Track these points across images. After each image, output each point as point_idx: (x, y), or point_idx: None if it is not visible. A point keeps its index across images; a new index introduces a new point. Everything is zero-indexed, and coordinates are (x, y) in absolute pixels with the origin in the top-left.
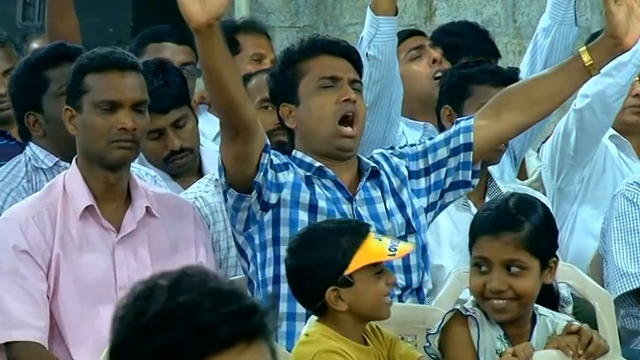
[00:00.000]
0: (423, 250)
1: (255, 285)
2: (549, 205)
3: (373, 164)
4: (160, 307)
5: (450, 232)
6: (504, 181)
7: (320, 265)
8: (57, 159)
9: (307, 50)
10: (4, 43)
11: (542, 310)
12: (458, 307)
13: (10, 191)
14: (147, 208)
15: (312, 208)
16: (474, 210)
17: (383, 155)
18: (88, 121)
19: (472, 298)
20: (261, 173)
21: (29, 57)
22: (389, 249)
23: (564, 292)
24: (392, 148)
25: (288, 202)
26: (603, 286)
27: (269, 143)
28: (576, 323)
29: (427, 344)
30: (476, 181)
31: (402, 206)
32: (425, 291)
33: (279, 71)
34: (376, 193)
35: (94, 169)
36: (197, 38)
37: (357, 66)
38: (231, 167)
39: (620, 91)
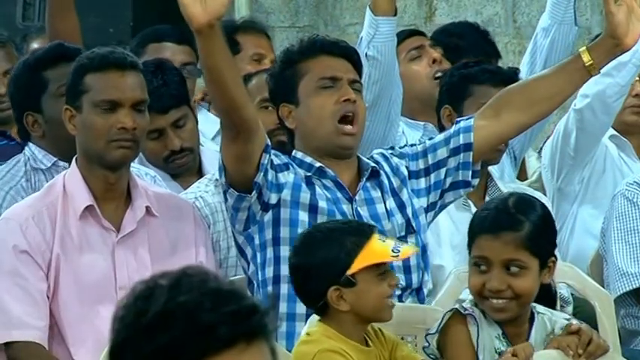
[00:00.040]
0: (423, 251)
1: (255, 285)
2: (549, 205)
3: (373, 164)
4: (161, 307)
5: (450, 232)
6: (504, 181)
7: (323, 264)
8: (55, 159)
9: (307, 50)
10: (5, 43)
11: (540, 308)
12: (457, 306)
13: (9, 189)
14: (147, 207)
15: (313, 209)
16: (474, 210)
17: (383, 155)
18: (87, 120)
19: (470, 297)
20: (262, 173)
21: (28, 57)
22: (392, 250)
23: (564, 292)
24: (392, 148)
25: (288, 203)
26: (603, 286)
27: (269, 143)
28: (574, 321)
29: (426, 344)
30: (476, 181)
31: (402, 206)
32: (425, 291)
33: (279, 71)
34: (376, 194)
35: (94, 169)
36: (198, 39)
37: (357, 66)
38: (231, 167)
39: (620, 91)
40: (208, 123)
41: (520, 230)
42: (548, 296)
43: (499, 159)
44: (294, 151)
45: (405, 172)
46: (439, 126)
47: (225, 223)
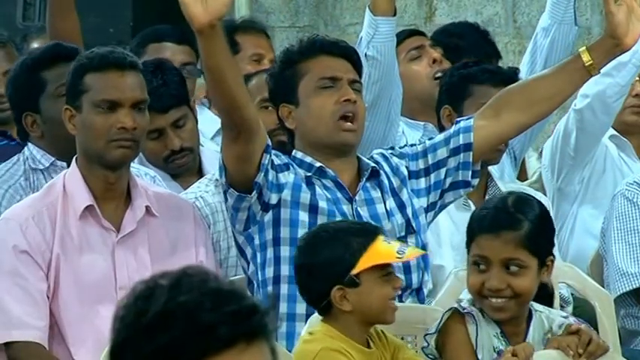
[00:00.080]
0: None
1: (255, 285)
2: (549, 206)
3: (373, 164)
4: (161, 306)
5: (450, 233)
6: (504, 181)
7: (327, 263)
8: (53, 159)
9: (307, 51)
10: (5, 43)
11: (537, 306)
12: (455, 305)
13: (8, 188)
14: (147, 207)
15: (313, 209)
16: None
17: (383, 155)
18: (87, 120)
19: (468, 296)
20: (262, 174)
21: (25, 58)
22: (397, 252)
23: (564, 292)
24: (392, 148)
25: (288, 203)
26: (603, 286)
27: (270, 144)
28: (572, 318)
29: (425, 344)
30: (476, 181)
31: (401, 206)
32: (425, 291)
33: (279, 71)
34: (376, 194)
35: (94, 169)
36: (199, 39)
37: (357, 66)
38: (232, 167)
39: (620, 92)
40: (208, 123)
41: (519, 229)
42: (545, 294)
43: (499, 159)
44: (294, 151)
45: (405, 172)
46: (439, 126)
47: (226, 223)
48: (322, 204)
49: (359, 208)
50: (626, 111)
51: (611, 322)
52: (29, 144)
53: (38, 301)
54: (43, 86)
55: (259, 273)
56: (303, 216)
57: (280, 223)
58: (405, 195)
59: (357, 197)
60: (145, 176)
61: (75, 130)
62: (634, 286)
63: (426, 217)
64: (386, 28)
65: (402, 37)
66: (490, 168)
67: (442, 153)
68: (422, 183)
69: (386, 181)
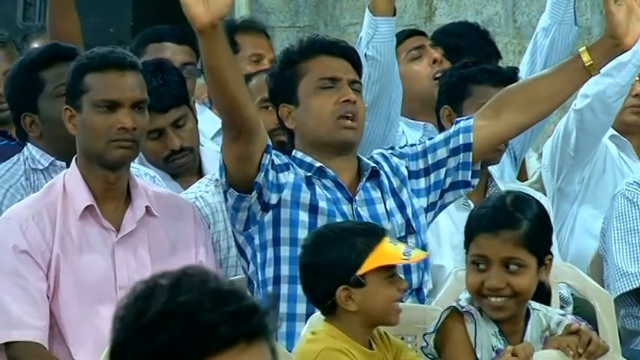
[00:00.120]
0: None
1: (255, 285)
2: (549, 206)
3: (373, 164)
4: (161, 306)
5: (450, 233)
6: (504, 181)
7: (333, 262)
8: (52, 158)
9: (306, 51)
10: (5, 43)
11: (534, 304)
12: (454, 304)
13: (9, 187)
14: (146, 207)
15: (313, 209)
16: None
17: (383, 155)
18: (87, 120)
19: (466, 295)
20: (262, 174)
21: (23, 58)
22: (403, 253)
23: (564, 292)
24: (392, 148)
25: (288, 203)
26: (603, 286)
27: (270, 144)
28: (569, 316)
29: (424, 344)
30: (476, 181)
31: (401, 206)
32: (425, 291)
33: (279, 71)
34: (376, 194)
35: (94, 169)
36: (201, 39)
37: (357, 66)
38: (232, 167)
39: (621, 92)
40: (208, 123)
41: (518, 228)
42: (542, 293)
43: (499, 159)
44: (294, 151)
45: (405, 172)
46: (439, 126)
47: (226, 223)
48: (322, 204)
49: (359, 208)
50: (626, 111)
51: (611, 322)
52: (28, 144)
53: (38, 301)
54: (42, 86)
55: (259, 273)
56: (303, 216)
57: (280, 223)
58: (405, 195)
59: (357, 197)
60: (144, 176)
61: (75, 130)
62: (634, 286)
63: (426, 217)
64: (385, 28)
65: (403, 37)
66: (490, 168)
67: (442, 153)
68: (422, 183)
69: (386, 182)
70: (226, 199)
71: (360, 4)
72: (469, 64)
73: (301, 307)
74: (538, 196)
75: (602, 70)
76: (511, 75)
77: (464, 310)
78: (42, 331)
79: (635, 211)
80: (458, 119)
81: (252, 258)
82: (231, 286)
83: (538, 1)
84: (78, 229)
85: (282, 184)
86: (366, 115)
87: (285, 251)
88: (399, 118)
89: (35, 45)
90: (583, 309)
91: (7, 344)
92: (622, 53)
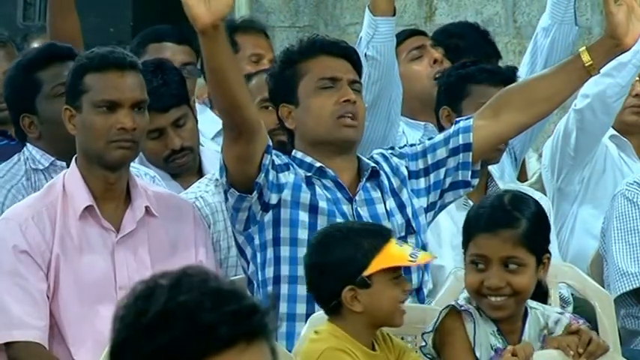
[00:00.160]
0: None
1: (255, 285)
2: (550, 205)
3: (373, 164)
4: (161, 306)
5: (450, 233)
6: (505, 181)
7: (340, 263)
8: (53, 158)
9: (307, 51)
10: (5, 43)
11: (532, 303)
12: (452, 303)
13: (11, 188)
14: (146, 207)
15: (313, 209)
16: None
17: (383, 155)
18: (87, 120)
19: (464, 295)
20: (263, 174)
21: (20, 59)
22: (410, 255)
23: (564, 292)
24: (392, 148)
25: (288, 203)
26: (603, 286)
27: (271, 144)
28: (567, 314)
29: (423, 344)
30: (475, 181)
31: (401, 206)
32: (425, 291)
33: (279, 71)
34: (376, 194)
35: (94, 169)
36: (202, 40)
37: (357, 66)
38: (233, 168)
39: (621, 92)
40: (208, 123)
41: (517, 227)
42: (539, 292)
43: (499, 158)
44: (294, 151)
45: (405, 172)
46: (438, 127)
47: (226, 222)
48: (322, 204)
49: (359, 209)
50: (626, 111)
51: (611, 322)
52: (28, 144)
53: (38, 301)
54: (39, 87)
55: (259, 273)
56: (303, 216)
57: (280, 223)
58: (404, 195)
59: (357, 197)
60: (144, 176)
61: (75, 130)
62: (634, 286)
63: (425, 217)
64: (385, 28)
65: (403, 36)
66: (490, 168)
67: (441, 153)
68: (421, 183)
69: (386, 182)
70: (227, 199)
71: (360, 4)
72: (467, 64)
73: (301, 307)
74: (538, 196)
75: (602, 71)
76: (510, 74)
77: (462, 309)
78: (42, 331)
79: (635, 211)
80: (457, 119)
81: (252, 258)
82: (231, 286)
83: (538, 1)
84: (78, 229)
85: (283, 184)
86: (366, 115)
87: (285, 251)
88: (400, 118)
89: (35, 45)
90: (583, 309)
91: (7, 344)
92: (622, 53)
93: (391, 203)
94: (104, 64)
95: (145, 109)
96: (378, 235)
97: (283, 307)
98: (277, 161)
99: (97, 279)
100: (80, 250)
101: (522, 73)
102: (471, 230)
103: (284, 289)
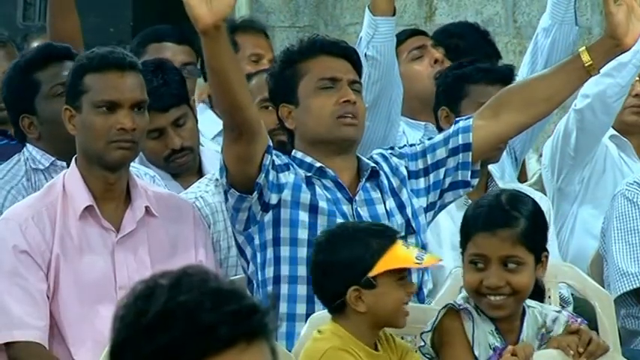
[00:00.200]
0: None
1: (255, 285)
2: (550, 205)
3: (373, 165)
4: (161, 306)
5: (450, 232)
6: (505, 181)
7: (345, 263)
8: (53, 158)
9: (307, 51)
10: (5, 43)
11: (529, 302)
12: (450, 302)
13: (11, 189)
14: (146, 207)
15: (313, 209)
16: None
17: (382, 155)
18: (87, 121)
19: (462, 294)
20: (263, 174)
21: (18, 60)
22: (416, 257)
23: (564, 292)
24: (391, 148)
25: (288, 203)
26: (603, 286)
27: (271, 144)
28: (565, 313)
29: (422, 343)
30: (475, 181)
31: (401, 206)
32: (425, 291)
33: (279, 71)
34: (376, 194)
35: (94, 169)
36: (204, 40)
37: (357, 66)
38: (233, 168)
39: (621, 92)
40: (209, 123)
41: (516, 226)
42: (536, 290)
43: (499, 157)
44: (294, 151)
45: (405, 172)
46: (437, 127)
47: (226, 222)
48: (322, 204)
49: (359, 209)
50: (626, 111)
51: (611, 322)
52: (28, 145)
53: (38, 301)
54: (38, 87)
55: (259, 273)
56: (303, 216)
57: (280, 223)
58: (404, 195)
59: (357, 197)
60: (144, 176)
61: (75, 130)
62: (634, 286)
63: (425, 217)
64: (385, 28)
65: (404, 36)
66: (491, 167)
67: (441, 153)
68: (421, 183)
69: (385, 182)
70: (227, 200)
71: (360, 4)
72: (464, 63)
73: (301, 307)
74: (538, 196)
75: (602, 71)
76: (507, 72)
77: (461, 308)
78: (42, 331)
79: (635, 211)
80: (457, 119)
81: (252, 258)
82: (231, 286)
83: (538, 1)
84: (78, 229)
85: (283, 185)
86: (366, 115)
87: (285, 251)
88: (400, 118)
89: (35, 45)
90: (583, 309)
91: (7, 344)
92: (622, 53)
93: (391, 203)
94: (104, 64)
95: (145, 109)
96: (384, 236)
97: (283, 307)
98: (277, 161)
99: (97, 279)
100: (80, 250)
101: (523, 74)
102: (469, 230)
103: (284, 289)
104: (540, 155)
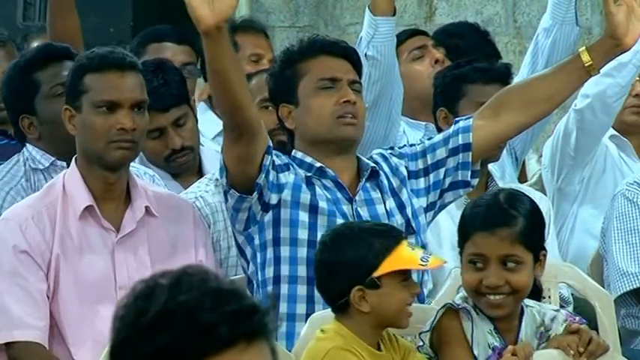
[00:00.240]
0: None
1: (255, 285)
2: (550, 205)
3: (373, 165)
4: (161, 306)
5: (450, 232)
6: (505, 181)
7: (350, 262)
8: (53, 158)
9: (307, 51)
10: (5, 42)
11: (527, 301)
12: (449, 302)
13: (10, 190)
14: (146, 207)
15: (313, 209)
16: None
17: (382, 155)
18: (87, 121)
19: (461, 294)
20: (263, 174)
21: (18, 60)
22: (421, 259)
23: (564, 292)
24: (391, 148)
25: (288, 203)
26: (603, 286)
27: (271, 144)
28: (563, 312)
29: (421, 343)
30: (475, 181)
31: (401, 207)
32: (425, 291)
33: (279, 71)
34: (376, 194)
35: (94, 169)
36: (205, 41)
37: (357, 66)
38: (233, 168)
39: (621, 92)
40: (209, 123)
41: (515, 225)
42: (533, 289)
43: (499, 156)
44: (293, 151)
45: (405, 172)
46: (436, 128)
47: (226, 222)
48: (322, 204)
49: (359, 209)
50: (626, 111)
51: (611, 322)
52: (28, 145)
53: (38, 301)
54: (37, 87)
55: (259, 273)
56: (303, 216)
57: (280, 223)
58: (404, 195)
59: (357, 197)
60: (144, 175)
61: (75, 130)
62: (634, 286)
63: (425, 217)
64: (386, 28)
65: (405, 36)
66: (491, 167)
67: (441, 153)
68: (421, 183)
69: (385, 182)
70: (226, 200)
71: (361, 4)
72: (461, 64)
73: (301, 307)
74: (538, 196)
75: (602, 71)
76: (503, 71)
77: (459, 307)
78: (42, 331)
79: (635, 211)
80: (457, 119)
81: (252, 258)
82: (231, 286)
83: (538, 1)
84: (78, 229)
85: (283, 185)
86: (367, 115)
87: (285, 251)
88: (400, 117)
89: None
90: (583, 309)
91: (7, 344)
92: (622, 53)
93: (391, 203)
94: (104, 64)
95: (145, 109)
96: (389, 237)
97: (283, 307)
98: (277, 161)
99: (97, 279)
100: (80, 250)
101: (523, 74)
102: (467, 229)
103: (284, 289)
104: (540, 155)
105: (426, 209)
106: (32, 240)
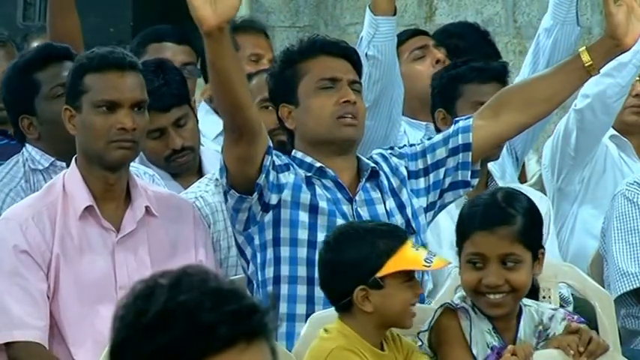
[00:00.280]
0: None
1: (255, 285)
2: (550, 205)
3: (373, 165)
4: (161, 306)
5: (450, 232)
6: (506, 181)
7: (354, 262)
8: (53, 159)
9: (307, 51)
10: (5, 42)
11: (525, 300)
12: (447, 301)
13: (9, 191)
14: (146, 207)
15: (313, 209)
16: None
17: (382, 156)
18: (87, 121)
19: (459, 294)
20: (264, 175)
21: (17, 61)
22: (425, 260)
23: (564, 292)
24: (391, 148)
25: (288, 203)
26: (603, 286)
27: (271, 145)
28: (562, 311)
29: (419, 343)
30: (475, 181)
31: (401, 207)
32: (425, 291)
33: (279, 71)
34: (376, 194)
35: (94, 169)
36: (207, 41)
37: (357, 66)
38: (233, 169)
39: (621, 92)
40: (210, 124)
41: (513, 224)
42: (530, 288)
43: (498, 155)
44: (293, 151)
45: (405, 172)
46: (435, 129)
47: (226, 222)
48: (322, 204)
49: (359, 209)
50: (626, 111)
51: (611, 322)
52: (27, 145)
53: (38, 301)
54: (37, 88)
55: (259, 273)
56: (303, 216)
57: (280, 223)
58: (404, 195)
59: (357, 197)
60: (144, 175)
61: (75, 130)
62: (634, 286)
63: (425, 217)
64: (386, 28)
65: (406, 36)
66: (491, 167)
67: (441, 153)
68: (421, 183)
69: (385, 182)
70: (226, 200)
71: (361, 4)
72: (458, 64)
73: (301, 308)
74: (538, 196)
75: (602, 71)
76: (500, 69)
77: (458, 307)
78: (42, 331)
79: (635, 211)
80: (457, 119)
81: (252, 258)
82: (231, 286)
83: (538, 1)
84: (78, 229)
85: (283, 185)
86: (367, 115)
87: (285, 251)
88: (401, 117)
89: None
90: (583, 309)
91: (7, 344)
92: (622, 53)
93: (391, 203)
94: (104, 64)
95: (145, 109)
96: (393, 237)
97: (283, 307)
98: (277, 162)
99: (97, 279)
100: (80, 250)
101: (524, 74)
102: (465, 229)
103: (284, 289)
104: (540, 156)
105: (426, 209)
106: (32, 240)
